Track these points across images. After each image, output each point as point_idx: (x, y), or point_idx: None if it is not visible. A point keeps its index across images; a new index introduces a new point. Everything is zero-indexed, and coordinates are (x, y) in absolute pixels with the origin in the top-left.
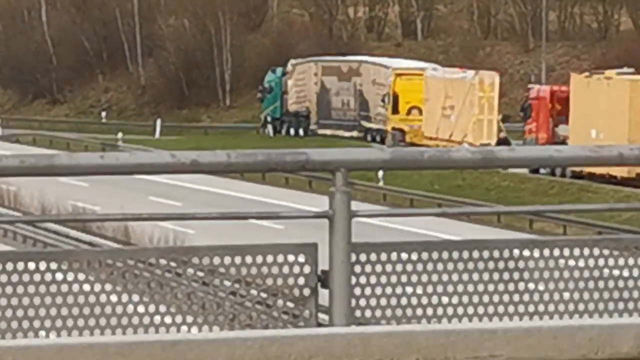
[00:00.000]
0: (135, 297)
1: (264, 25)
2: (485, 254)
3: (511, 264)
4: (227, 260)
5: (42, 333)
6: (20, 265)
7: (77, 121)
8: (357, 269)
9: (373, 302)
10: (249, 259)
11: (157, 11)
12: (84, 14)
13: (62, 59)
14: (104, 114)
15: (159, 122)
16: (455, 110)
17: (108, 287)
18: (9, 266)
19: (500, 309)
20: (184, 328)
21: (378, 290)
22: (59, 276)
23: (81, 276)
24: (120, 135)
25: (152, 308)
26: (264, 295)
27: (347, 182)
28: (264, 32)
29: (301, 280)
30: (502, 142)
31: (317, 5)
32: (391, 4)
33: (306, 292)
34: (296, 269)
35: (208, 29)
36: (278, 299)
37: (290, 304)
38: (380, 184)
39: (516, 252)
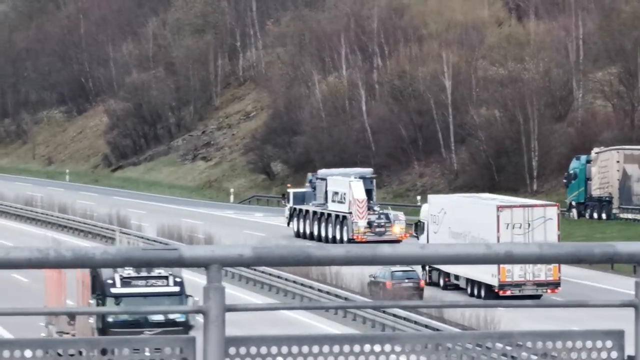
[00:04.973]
0: None
1: (569, 115)
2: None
3: None
4: (539, 344)
5: None
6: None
7: (394, 204)
8: None
9: None
10: (559, 344)
11: (469, 102)
12: (401, 105)
13: (381, 146)
14: (419, 197)
15: None
16: None
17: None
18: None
19: None
20: None
21: None
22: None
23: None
24: None
25: None
26: None
27: None
28: (569, 122)
29: None
30: None
31: (620, 97)
32: None
33: None
34: (604, 354)
35: (517, 118)
36: None
37: None
38: None
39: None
